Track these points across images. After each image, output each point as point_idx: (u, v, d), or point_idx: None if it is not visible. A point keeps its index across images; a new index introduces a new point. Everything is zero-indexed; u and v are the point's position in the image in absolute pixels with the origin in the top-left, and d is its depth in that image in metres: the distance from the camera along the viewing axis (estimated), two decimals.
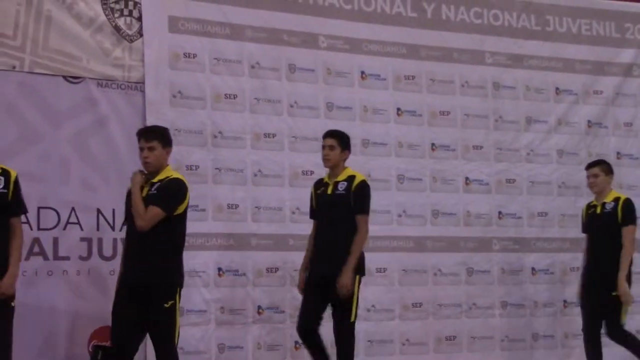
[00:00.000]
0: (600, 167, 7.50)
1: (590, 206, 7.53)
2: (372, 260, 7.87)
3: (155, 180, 5.88)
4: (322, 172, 7.82)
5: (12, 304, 5.49)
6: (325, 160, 6.79)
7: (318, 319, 6.60)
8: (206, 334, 7.23)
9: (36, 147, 6.77)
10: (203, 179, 7.38)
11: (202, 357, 7.17)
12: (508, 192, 8.59)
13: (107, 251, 6.95)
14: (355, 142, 7.94)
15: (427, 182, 8.26)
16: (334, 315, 6.59)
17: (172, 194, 5.84)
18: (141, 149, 5.92)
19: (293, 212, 7.71)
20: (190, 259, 6.96)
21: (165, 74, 7.30)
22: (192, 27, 7.46)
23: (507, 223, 8.55)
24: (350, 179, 6.70)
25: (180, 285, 5.86)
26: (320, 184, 6.89)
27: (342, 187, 6.69)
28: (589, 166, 7.58)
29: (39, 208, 6.66)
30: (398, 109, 8.24)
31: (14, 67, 6.79)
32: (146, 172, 5.91)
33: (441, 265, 8.20)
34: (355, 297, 6.53)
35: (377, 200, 7.93)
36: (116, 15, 7.22)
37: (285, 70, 7.80)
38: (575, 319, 8.60)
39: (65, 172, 6.86)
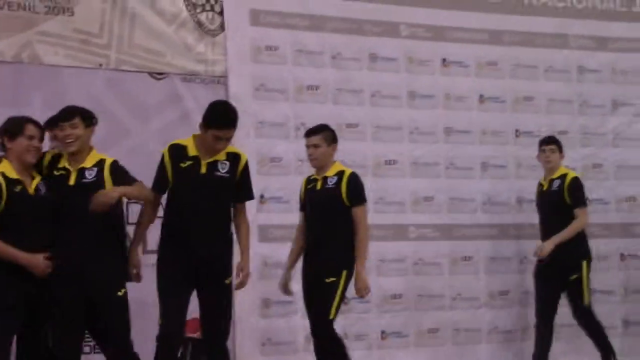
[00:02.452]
0: (322, 136, 6.34)
1: (309, 180, 6.47)
2: (457, 248, 7.90)
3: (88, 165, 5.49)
4: (405, 161, 7.87)
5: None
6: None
7: None
8: (293, 324, 7.28)
9: (125, 142, 6.91)
10: (286, 170, 7.44)
11: (289, 347, 7.24)
12: (595, 177, 8.45)
13: None
14: (438, 131, 7.94)
15: (512, 169, 8.19)
16: None
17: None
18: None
19: (376, 202, 7.70)
20: (277, 250, 7.04)
21: (247, 67, 7.38)
22: (273, 19, 7.51)
23: (595, 209, 8.38)
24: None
25: None
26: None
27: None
28: (308, 134, 6.41)
29: (127, 203, 6.77)
30: (481, 96, 8.17)
31: (100, 65, 6.94)
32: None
33: (527, 252, 8.10)
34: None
35: (461, 188, 7.95)
36: (198, 10, 7.31)
37: (367, 60, 7.80)
38: None
39: (153, 166, 6.94)
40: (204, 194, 5.58)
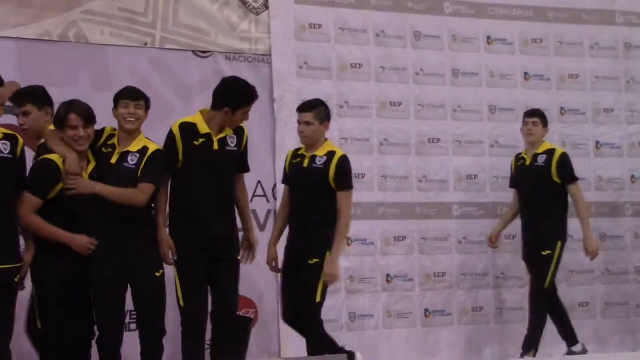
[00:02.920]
0: (315, 113, 6.02)
1: (296, 154, 6.16)
2: (509, 226, 7.80)
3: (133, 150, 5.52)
4: (449, 140, 7.84)
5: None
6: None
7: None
8: (337, 303, 7.29)
9: (169, 121, 6.88)
10: None
11: (334, 325, 7.20)
12: None
13: None
14: (482, 109, 7.89)
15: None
16: None
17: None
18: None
19: (420, 181, 7.70)
20: None
21: (291, 45, 7.37)
22: None
23: None
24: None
25: None
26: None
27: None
28: (300, 109, 6.08)
29: None
30: (525, 74, 8.11)
31: (145, 44, 6.97)
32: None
33: (572, 231, 8.01)
34: None
35: (505, 166, 7.88)
36: None
37: (411, 37, 7.76)
38: None
39: None
40: (217, 171, 5.63)
